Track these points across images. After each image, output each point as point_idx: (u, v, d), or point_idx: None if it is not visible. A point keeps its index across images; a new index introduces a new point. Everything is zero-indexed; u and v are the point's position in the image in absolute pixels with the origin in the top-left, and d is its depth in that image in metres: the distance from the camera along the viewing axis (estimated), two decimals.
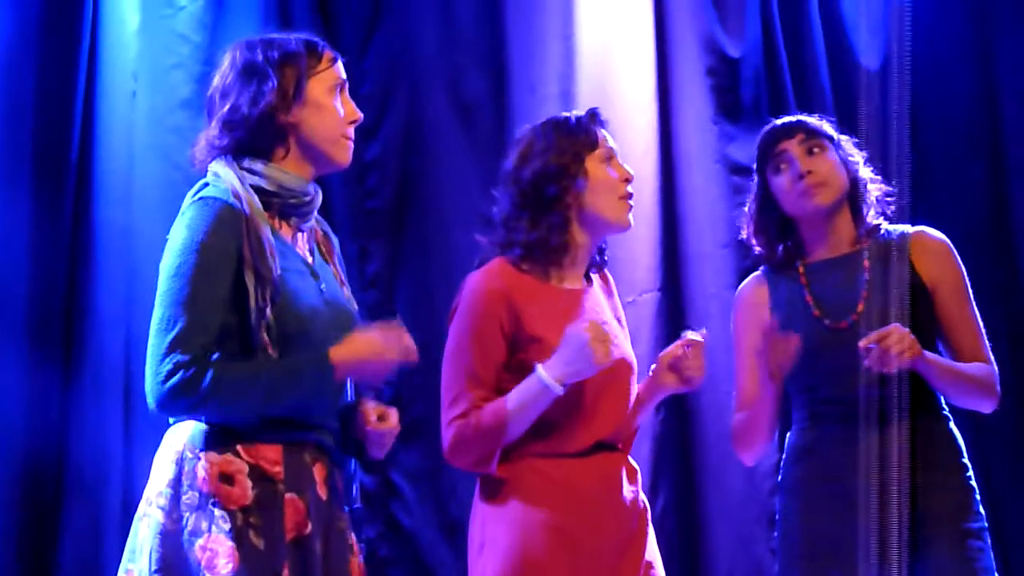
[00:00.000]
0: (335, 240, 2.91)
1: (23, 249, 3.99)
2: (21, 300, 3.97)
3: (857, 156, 3.33)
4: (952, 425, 3.25)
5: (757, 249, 3.40)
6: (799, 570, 3.22)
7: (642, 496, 3.08)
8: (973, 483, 3.22)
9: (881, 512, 3.04)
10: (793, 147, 3.30)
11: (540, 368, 2.89)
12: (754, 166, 3.40)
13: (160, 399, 2.58)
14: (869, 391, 3.09)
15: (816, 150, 3.29)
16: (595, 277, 3.16)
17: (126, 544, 2.66)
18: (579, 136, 3.07)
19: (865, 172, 3.33)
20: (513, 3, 4.63)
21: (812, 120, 3.36)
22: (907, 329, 3.05)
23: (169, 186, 4.17)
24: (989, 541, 3.18)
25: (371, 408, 2.81)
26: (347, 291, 2.84)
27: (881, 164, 3.32)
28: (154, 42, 4.25)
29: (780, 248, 3.35)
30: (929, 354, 3.12)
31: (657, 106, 4.71)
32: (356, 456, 2.86)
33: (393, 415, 2.81)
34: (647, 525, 3.06)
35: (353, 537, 2.79)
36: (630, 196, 3.08)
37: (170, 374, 2.56)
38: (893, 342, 3.02)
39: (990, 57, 4.87)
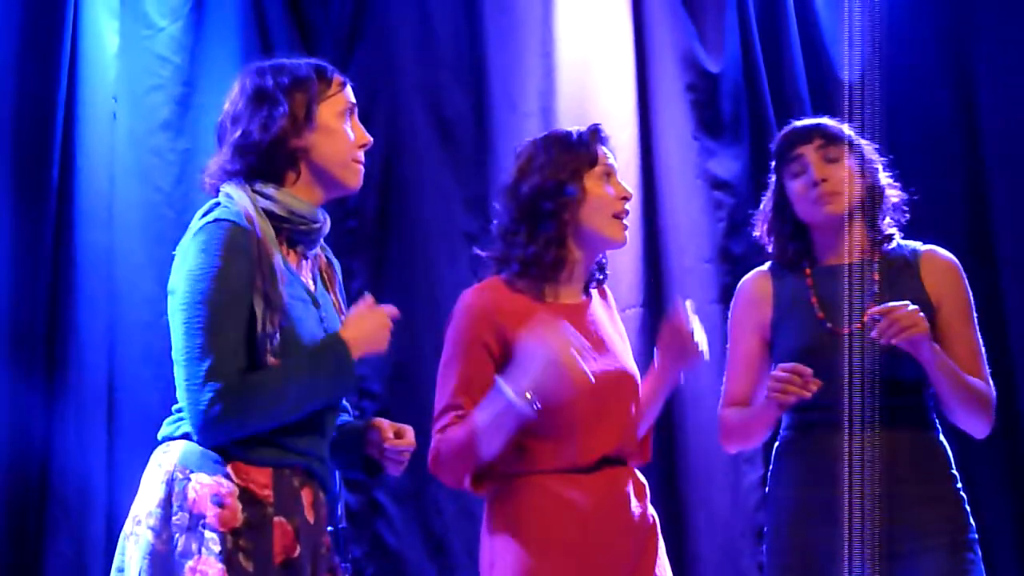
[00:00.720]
0: (338, 267, 2.92)
1: (4, 272, 3.97)
2: (3, 322, 3.95)
3: (876, 161, 3.30)
4: (941, 436, 3.25)
5: (769, 248, 3.37)
6: None
7: (651, 512, 3.06)
8: (963, 493, 3.22)
9: (869, 523, 3.03)
10: (810, 153, 3.27)
11: (501, 382, 2.86)
12: (772, 164, 3.37)
13: (204, 429, 2.59)
14: (856, 399, 3.08)
15: (833, 156, 3.26)
16: (594, 292, 3.15)
17: (113, 563, 2.65)
18: (579, 152, 3.06)
19: (883, 178, 3.31)
20: (493, 20, 4.63)
21: (832, 123, 3.30)
22: (918, 308, 3.04)
23: (150, 208, 4.18)
24: (980, 552, 3.18)
25: (387, 426, 2.82)
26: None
27: None
28: (134, 64, 4.24)
29: (791, 249, 3.32)
30: (935, 345, 3.11)
31: (637, 122, 4.72)
32: (370, 475, 2.88)
33: (409, 432, 2.83)
34: (657, 541, 3.05)
35: (336, 559, 2.79)
36: (626, 214, 3.07)
37: (211, 403, 2.57)
38: (901, 315, 3.02)
39: (968, 69, 4.89)
